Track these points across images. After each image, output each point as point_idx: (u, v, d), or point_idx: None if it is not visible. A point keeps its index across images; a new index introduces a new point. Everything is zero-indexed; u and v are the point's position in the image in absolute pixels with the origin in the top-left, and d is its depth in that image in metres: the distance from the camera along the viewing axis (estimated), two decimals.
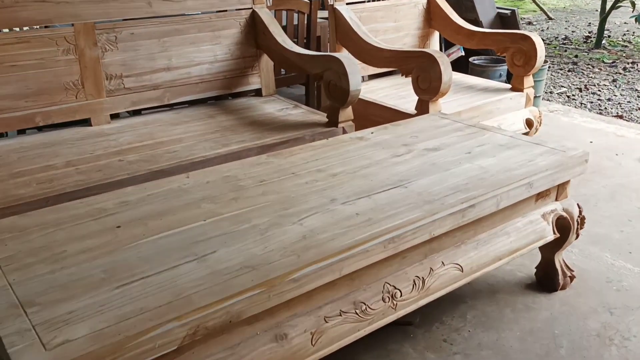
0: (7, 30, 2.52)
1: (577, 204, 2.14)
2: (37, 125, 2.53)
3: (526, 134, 3.30)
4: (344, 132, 2.68)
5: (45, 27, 2.65)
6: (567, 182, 2.08)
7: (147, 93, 2.79)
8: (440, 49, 4.32)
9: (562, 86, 5.31)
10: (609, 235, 2.62)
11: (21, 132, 2.67)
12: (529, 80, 3.23)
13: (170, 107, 2.95)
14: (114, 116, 2.77)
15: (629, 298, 2.17)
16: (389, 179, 1.87)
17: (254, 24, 3.05)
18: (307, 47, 3.82)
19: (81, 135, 2.56)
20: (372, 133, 2.32)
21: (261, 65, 3.10)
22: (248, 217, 1.63)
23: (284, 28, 3.41)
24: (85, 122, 2.69)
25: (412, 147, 2.14)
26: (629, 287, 2.24)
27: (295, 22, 3.48)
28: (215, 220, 1.62)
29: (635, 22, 6.20)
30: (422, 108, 2.83)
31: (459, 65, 4.55)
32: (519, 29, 4.37)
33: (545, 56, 3.52)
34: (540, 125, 3.32)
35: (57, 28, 2.58)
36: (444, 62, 2.72)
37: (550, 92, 5.12)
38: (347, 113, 2.68)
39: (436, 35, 3.66)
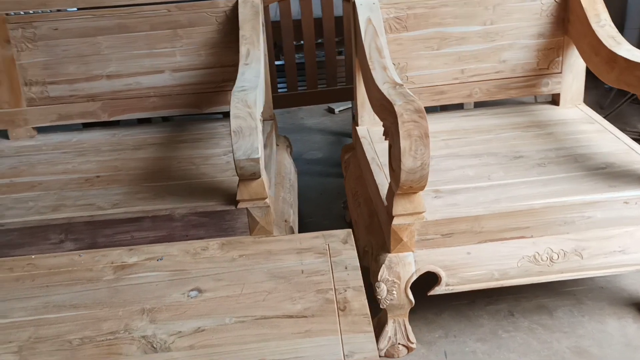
0: None
1: None
2: None
3: None
4: (249, 218, 1.69)
5: None
6: None
7: (78, 105, 2.20)
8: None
9: None
10: None
11: None
12: None
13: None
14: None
15: None
16: None
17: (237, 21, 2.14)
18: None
19: None
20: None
21: None
22: None
23: (295, 22, 2.33)
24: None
25: None
26: None
27: (339, 14, 2.35)
28: None
29: None
30: (389, 203, 1.61)
31: None
32: None
33: None
34: None
35: None
36: (416, 128, 1.44)
37: None
38: (252, 189, 1.66)
39: (576, 53, 2.10)
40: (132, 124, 2.43)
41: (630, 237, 1.65)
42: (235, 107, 1.56)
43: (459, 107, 2.63)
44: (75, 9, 2.16)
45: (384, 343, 1.72)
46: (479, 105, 2.62)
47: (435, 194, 1.71)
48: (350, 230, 1.39)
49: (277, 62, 2.50)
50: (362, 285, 1.21)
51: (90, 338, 1.11)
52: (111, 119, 2.23)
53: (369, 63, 1.84)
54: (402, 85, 1.68)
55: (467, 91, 2.14)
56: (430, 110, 2.27)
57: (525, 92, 2.17)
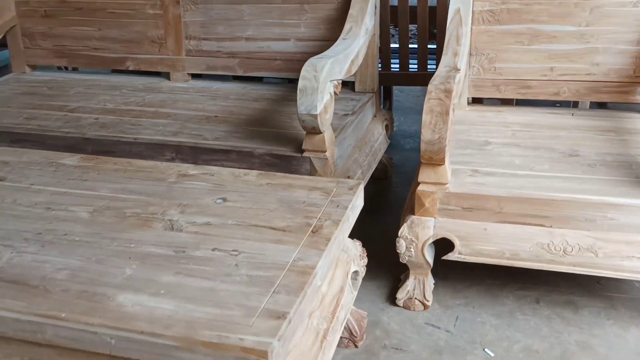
0: None
1: None
2: (127, 68, 2.85)
3: None
4: (310, 166, 2.00)
5: None
6: None
7: (222, 59, 2.70)
8: None
9: None
10: None
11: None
12: None
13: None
14: (197, 76, 2.83)
15: None
16: None
17: None
18: None
19: (150, 87, 2.75)
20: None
21: None
22: None
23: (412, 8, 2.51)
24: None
25: None
26: None
27: None
28: None
29: None
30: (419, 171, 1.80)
31: None
32: None
33: None
34: None
35: None
36: (439, 105, 1.63)
37: None
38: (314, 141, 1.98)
39: None
40: (270, 82, 2.88)
41: None
42: (305, 70, 1.89)
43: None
44: None
45: (402, 294, 1.94)
46: (594, 105, 2.63)
47: (472, 172, 1.86)
48: (360, 182, 1.65)
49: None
50: (342, 220, 1.48)
51: (137, 214, 1.54)
52: (244, 75, 2.70)
53: (444, 48, 2.03)
54: (459, 70, 1.86)
55: (554, 89, 2.20)
56: (521, 102, 2.38)
57: (616, 98, 2.16)
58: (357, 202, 1.61)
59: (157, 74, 2.89)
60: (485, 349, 1.77)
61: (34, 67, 3.03)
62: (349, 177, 2.16)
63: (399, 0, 2.58)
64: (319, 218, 1.49)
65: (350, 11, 2.36)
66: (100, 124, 2.35)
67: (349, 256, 1.66)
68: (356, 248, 1.72)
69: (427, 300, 1.93)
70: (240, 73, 2.69)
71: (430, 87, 1.69)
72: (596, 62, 2.13)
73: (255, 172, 1.74)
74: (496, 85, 2.24)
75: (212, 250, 1.38)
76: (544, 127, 2.13)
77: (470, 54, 2.22)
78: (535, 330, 1.83)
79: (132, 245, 1.41)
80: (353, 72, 2.21)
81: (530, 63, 2.19)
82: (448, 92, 1.66)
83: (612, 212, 1.67)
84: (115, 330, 1.16)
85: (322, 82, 1.88)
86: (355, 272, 1.70)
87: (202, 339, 1.12)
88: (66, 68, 3.34)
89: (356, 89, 2.56)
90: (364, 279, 2.06)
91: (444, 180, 1.77)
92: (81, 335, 1.18)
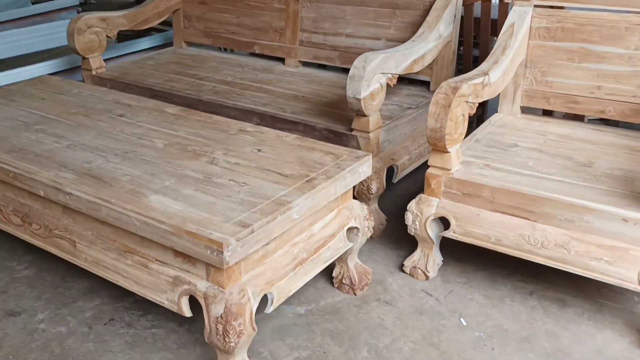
0: None
1: None
2: (254, 52, 3.42)
3: None
4: (357, 143, 2.38)
5: None
6: None
7: (325, 51, 3.15)
8: None
9: None
10: None
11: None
12: None
13: None
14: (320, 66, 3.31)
15: None
16: None
17: None
18: None
19: (267, 68, 3.29)
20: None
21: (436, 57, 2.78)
22: None
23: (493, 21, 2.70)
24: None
25: None
26: None
27: None
28: None
29: None
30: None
31: None
32: None
33: None
34: None
35: None
36: (444, 99, 1.91)
37: None
38: (361, 122, 2.35)
39: None
40: None
41: (621, 252, 1.78)
42: (357, 60, 2.26)
43: None
44: None
45: (409, 263, 2.24)
46: None
47: (484, 166, 2.10)
48: (368, 154, 1.99)
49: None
50: (335, 177, 1.84)
51: (194, 150, 2.05)
52: (341, 66, 3.11)
53: (489, 56, 2.27)
54: (487, 75, 2.11)
55: (600, 107, 2.31)
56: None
57: None
58: (360, 169, 1.96)
59: (278, 58, 3.42)
60: (461, 319, 2.02)
61: (190, 44, 3.74)
62: (393, 160, 2.49)
63: (482, 13, 2.82)
64: (319, 173, 1.87)
65: (427, 18, 2.66)
66: (215, 90, 2.93)
67: (352, 213, 2.01)
68: (362, 210, 2.06)
69: (428, 272, 2.20)
70: (338, 64, 3.12)
71: (444, 83, 1.97)
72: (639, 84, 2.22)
73: (294, 135, 2.17)
74: (546, 97, 2.41)
75: (229, 180, 1.84)
76: (577, 139, 2.27)
77: (525, 66, 2.41)
78: (514, 314, 2.03)
79: (179, 169, 1.92)
80: (416, 70, 2.53)
81: (580, 80, 2.32)
82: (455, 90, 1.93)
83: (588, 215, 1.82)
84: (139, 215, 1.67)
85: (368, 72, 2.24)
86: (356, 229, 2.05)
87: (187, 229, 1.58)
88: (225, 49, 3.99)
89: (430, 88, 2.85)
90: (388, 246, 2.40)
91: (449, 166, 2.04)
92: (120, 216, 1.71)
